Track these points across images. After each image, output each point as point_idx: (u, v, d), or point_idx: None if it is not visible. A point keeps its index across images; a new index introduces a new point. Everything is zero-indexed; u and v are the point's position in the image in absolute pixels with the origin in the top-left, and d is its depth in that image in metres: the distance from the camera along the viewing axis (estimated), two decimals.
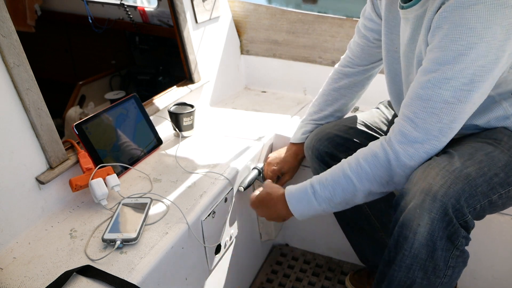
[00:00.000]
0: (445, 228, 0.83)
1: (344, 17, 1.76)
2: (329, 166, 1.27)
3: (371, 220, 1.30)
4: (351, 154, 1.24)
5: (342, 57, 1.37)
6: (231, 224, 1.29)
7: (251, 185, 1.33)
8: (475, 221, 0.89)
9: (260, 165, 1.40)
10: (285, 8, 1.88)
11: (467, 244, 0.88)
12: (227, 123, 1.62)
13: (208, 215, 1.12)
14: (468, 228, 0.86)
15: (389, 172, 0.93)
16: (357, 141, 1.25)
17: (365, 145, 1.24)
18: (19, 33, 0.98)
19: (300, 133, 1.38)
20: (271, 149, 1.52)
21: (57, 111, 2.04)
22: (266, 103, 1.84)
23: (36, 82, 1.01)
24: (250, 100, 1.89)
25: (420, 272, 0.87)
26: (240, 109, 1.78)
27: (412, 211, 0.85)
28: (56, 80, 2.40)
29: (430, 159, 0.90)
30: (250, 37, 1.94)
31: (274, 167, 1.38)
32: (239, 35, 1.96)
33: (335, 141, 1.26)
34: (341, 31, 1.77)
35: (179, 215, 1.06)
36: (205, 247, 1.14)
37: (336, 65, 1.38)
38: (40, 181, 1.03)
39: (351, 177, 0.97)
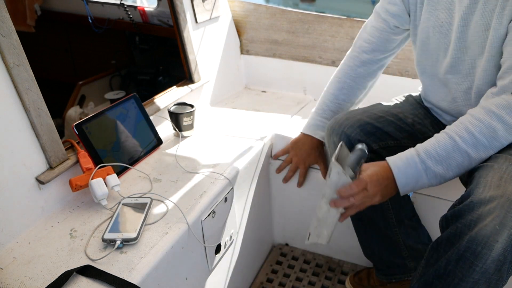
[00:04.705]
0: None
1: (344, 17, 1.77)
2: None
3: (388, 215, 1.26)
4: (381, 145, 1.18)
5: (354, 44, 1.32)
6: (231, 224, 1.29)
7: (358, 169, 1.00)
8: None
9: (363, 146, 0.99)
10: (285, 8, 1.88)
11: None
12: (227, 123, 1.62)
13: (208, 215, 1.12)
14: None
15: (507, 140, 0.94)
16: (387, 131, 1.19)
17: (395, 136, 1.19)
18: (19, 33, 0.98)
19: (316, 128, 1.37)
20: (271, 149, 1.52)
21: (57, 111, 2.04)
22: (266, 103, 1.84)
23: (36, 82, 1.01)
24: (250, 100, 1.89)
25: (484, 285, 0.84)
26: (240, 109, 1.78)
27: (490, 228, 0.81)
28: (56, 80, 2.40)
29: (503, 165, 0.89)
30: (250, 37, 1.94)
31: (307, 159, 1.42)
32: (239, 35, 1.96)
33: (366, 129, 1.18)
34: (341, 31, 1.77)
35: (179, 215, 1.06)
36: (205, 247, 1.14)
37: (349, 52, 1.34)
38: (40, 181, 1.03)
39: (468, 152, 0.95)
